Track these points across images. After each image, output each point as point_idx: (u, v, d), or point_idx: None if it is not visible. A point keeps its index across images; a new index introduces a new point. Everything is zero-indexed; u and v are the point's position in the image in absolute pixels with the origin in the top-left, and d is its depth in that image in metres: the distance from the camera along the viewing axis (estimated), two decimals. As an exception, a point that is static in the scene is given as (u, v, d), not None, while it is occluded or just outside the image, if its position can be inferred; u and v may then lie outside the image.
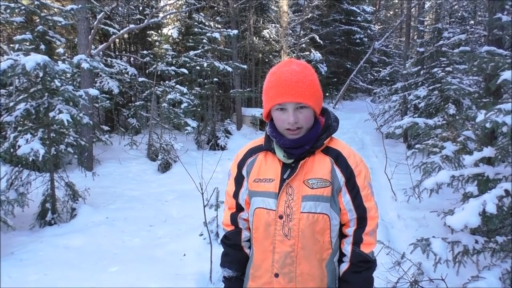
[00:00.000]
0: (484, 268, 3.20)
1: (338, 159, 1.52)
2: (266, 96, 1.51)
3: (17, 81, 5.19)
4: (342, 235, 1.58)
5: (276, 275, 1.53)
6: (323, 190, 1.48)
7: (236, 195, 1.70)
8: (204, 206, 4.08)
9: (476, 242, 3.24)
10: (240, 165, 1.68)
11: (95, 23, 8.07)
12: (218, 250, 4.18)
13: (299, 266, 1.50)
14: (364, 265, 1.52)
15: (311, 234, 1.48)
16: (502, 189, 2.86)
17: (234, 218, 1.71)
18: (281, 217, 1.50)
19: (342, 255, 1.57)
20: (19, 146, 4.82)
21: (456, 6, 10.34)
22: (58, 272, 3.74)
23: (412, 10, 12.89)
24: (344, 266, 1.55)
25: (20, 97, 5.10)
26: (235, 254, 1.71)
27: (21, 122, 5.27)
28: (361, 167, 1.53)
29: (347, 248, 1.55)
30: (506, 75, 2.96)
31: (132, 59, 14.08)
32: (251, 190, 1.61)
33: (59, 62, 5.33)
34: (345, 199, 1.52)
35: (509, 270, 3.04)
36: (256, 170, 1.61)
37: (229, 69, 11.06)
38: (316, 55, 16.53)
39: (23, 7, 5.95)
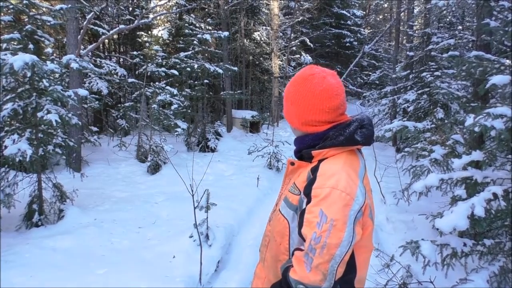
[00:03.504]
0: (472, 270, 3.24)
1: (313, 173, 1.43)
2: None
3: (4, 80, 5.12)
4: None
5: (259, 249, 1.75)
6: (291, 196, 1.51)
7: None
8: (195, 208, 4.06)
9: (465, 245, 3.28)
10: None
11: (85, 23, 8.01)
12: (208, 252, 4.17)
13: (267, 252, 1.65)
14: (285, 285, 1.41)
15: (275, 230, 1.58)
16: (490, 192, 2.89)
17: None
18: (276, 204, 1.66)
19: None
20: (5, 147, 4.74)
21: (444, 11, 10.45)
22: (44, 274, 3.68)
23: (401, 14, 13.01)
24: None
25: (7, 97, 5.03)
26: None
27: (8, 122, 5.19)
28: (324, 191, 1.34)
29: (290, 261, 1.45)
30: (494, 79, 2.99)
31: (121, 59, 14.00)
32: None
33: (48, 62, 5.27)
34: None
35: (497, 273, 3.08)
36: None
37: (220, 71, 11.05)
38: (307, 58, 16.59)
39: (11, 6, 5.88)
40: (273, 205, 1.74)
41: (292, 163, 1.61)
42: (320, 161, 1.47)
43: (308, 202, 1.38)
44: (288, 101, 1.57)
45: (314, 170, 1.44)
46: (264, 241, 1.70)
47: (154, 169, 8.61)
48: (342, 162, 1.43)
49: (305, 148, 1.54)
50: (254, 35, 15.96)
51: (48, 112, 4.99)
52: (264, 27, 16.14)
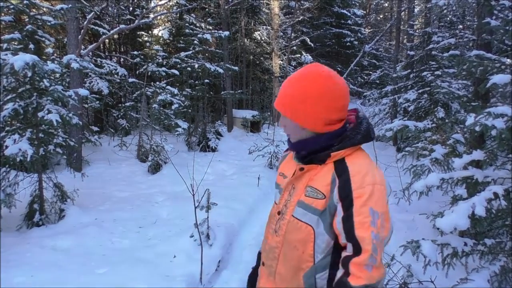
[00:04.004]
0: (473, 270, 3.23)
1: (342, 174, 1.39)
2: None
3: (5, 80, 5.12)
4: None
5: (263, 264, 1.64)
6: (313, 201, 1.43)
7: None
8: (195, 208, 4.06)
9: (465, 244, 3.27)
10: (280, 159, 1.80)
11: (85, 23, 8.01)
12: (209, 251, 4.17)
13: (279, 265, 1.54)
14: None
15: (292, 239, 1.49)
16: (491, 192, 2.89)
17: None
18: (279, 213, 1.57)
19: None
20: (6, 146, 4.75)
21: (445, 11, 10.44)
22: (45, 273, 3.69)
23: (402, 14, 13.00)
24: (337, 276, 1.43)
25: (8, 97, 5.03)
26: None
27: (8, 122, 5.20)
28: (367, 190, 1.35)
29: (338, 272, 1.40)
30: (495, 79, 2.99)
31: (122, 59, 13.99)
32: (276, 182, 1.72)
33: (48, 62, 5.27)
34: (338, 219, 1.39)
35: (498, 273, 3.07)
36: (283, 165, 1.70)
37: (220, 70, 11.04)
38: (307, 57, 16.57)
39: (12, 6, 5.88)
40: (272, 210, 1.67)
41: (301, 168, 1.51)
42: (337, 161, 1.44)
43: (347, 204, 1.35)
44: (302, 99, 1.42)
45: (341, 172, 1.40)
46: (272, 254, 1.56)
47: (155, 168, 8.61)
48: (366, 157, 1.47)
49: (319, 150, 1.46)
50: (254, 35, 15.96)
51: (49, 112, 5.00)
52: (264, 27, 16.14)
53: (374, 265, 1.33)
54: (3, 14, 6.50)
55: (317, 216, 1.42)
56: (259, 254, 1.80)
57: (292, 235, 1.48)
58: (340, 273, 1.39)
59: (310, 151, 1.48)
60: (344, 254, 1.40)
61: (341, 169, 1.41)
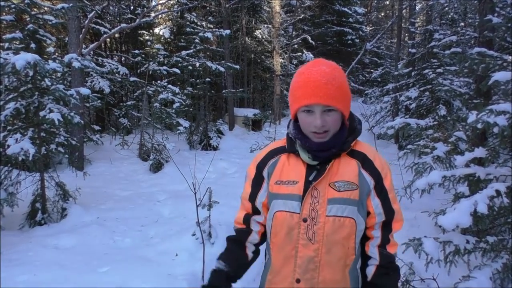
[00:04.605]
0: (475, 268, 3.22)
1: (365, 162, 1.47)
2: (293, 97, 1.45)
3: (6, 80, 5.13)
4: (364, 239, 1.52)
5: (298, 281, 1.46)
6: (350, 193, 1.42)
7: (253, 198, 1.61)
8: (197, 206, 4.06)
9: (467, 242, 3.27)
10: (261, 166, 1.59)
11: (86, 22, 8.02)
12: (211, 250, 4.17)
13: (322, 272, 1.44)
14: (392, 266, 1.50)
15: (336, 238, 1.42)
16: (493, 189, 2.88)
17: (247, 219, 1.65)
18: (305, 220, 1.44)
19: (367, 258, 1.51)
20: (8, 146, 4.76)
21: (446, 8, 10.42)
22: (47, 272, 3.70)
23: (403, 11, 12.97)
24: (372, 270, 1.49)
25: (10, 96, 5.04)
26: (235, 250, 1.68)
27: (10, 122, 5.21)
28: (387, 169, 1.50)
29: (374, 250, 1.50)
30: (497, 76, 2.98)
31: (123, 58, 14.00)
32: (272, 193, 1.53)
33: (50, 61, 5.28)
34: (375, 202, 1.47)
35: (500, 270, 3.07)
36: (279, 171, 1.53)
37: (222, 69, 11.04)
38: (308, 55, 16.55)
39: (13, 5, 5.89)
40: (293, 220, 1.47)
41: (325, 167, 1.45)
42: (349, 152, 1.49)
43: (380, 186, 1.48)
44: (346, 88, 1.43)
45: (362, 160, 1.48)
46: (311, 265, 1.44)
47: (156, 167, 8.63)
48: (366, 143, 1.58)
49: (340, 143, 1.46)
50: (255, 33, 15.95)
51: (51, 111, 5.00)
52: (265, 25, 16.13)
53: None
54: (4, 14, 6.50)
55: (356, 206, 1.43)
56: (215, 272, 1.66)
57: (336, 235, 1.42)
58: (375, 250, 1.50)
59: (334, 144, 1.44)
60: (376, 232, 1.51)
61: (360, 157, 1.49)
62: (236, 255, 1.67)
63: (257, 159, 1.62)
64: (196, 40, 11.15)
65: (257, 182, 1.60)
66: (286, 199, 1.48)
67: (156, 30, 13.84)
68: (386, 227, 1.51)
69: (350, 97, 1.46)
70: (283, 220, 1.47)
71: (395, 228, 1.52)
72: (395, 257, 1.52)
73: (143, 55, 12.01)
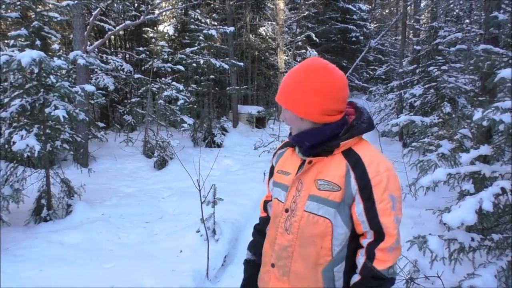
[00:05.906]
0: (479, 265, 3.22)
1: (356, 164, 1.42)
2: None
3: (12, 77, 5.15)
4: (359, 245, 1.50)
5: (273, 265, 1.58)
6: (329, 194, 1.42)
7: (268, 185, 1.78)
8: (202, 203, 4.07)
9: (472, 239, 3.26)
10: (274, 156, 1.77)
11: (91, 19, 8.03)
12: (215, 246, 4.18)
13: (294, 263, 1.50)
14: (374, 281, 1.42)
15: (309, 234, 1.46)
16: (498, 187, 2.87)
17: (265, 205, 1.83)
18: (287, 210, 1.53)
19: (355, 266, 1.49)
20: (14, 142, 4.78)
21: (452, 5, 10.35)
22: (53, 268, 3.72)
23: (408, 8, 12.92)
24: (355, 278, 1.47)
25: (15, 93, 5.06)
26: (257, 238, 1.82)
27: (16, 118, 5.23)
28: (383, 177, 1.40)
29: (360, 260, 1.45)
30: (503, 73, 2.97)
31: (127, 55, 14.02)
32: (274, 181, 1.67)
33: (55, 58, 5.30)
34: (358, 209, 1.42)
35: (505, 268, 3.06)
36: (282, 162, 1.67)
37: (226, 66, 11.04)
38: (312, 53, 16.47)
39: (18, 3, 5.91)
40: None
41: (310, 161, 1.48)
42: (345, 152, 1.45)
43: (367, 193, 1.40)
44: (302, 90, 1.43)
45: (354, 162, 1.42)
46: (284, 253, 1.52)
47: (161, 164, 8.65)
48: (372, 146, 1.51)
49: (326, 140, 1.46)
50: (259, 30, 15.91)
51: (56, 108, 5.02)
52: (269, 22, 16.08)
53: (396, 246, 1.43)
54: (9, 11, 6.53)
55: (334, 208, 1.42)
56: (248, 262, 1.81)
57: (308, 231, 1.46)
58: (362, 259, 1.44)
59: (316, 142, 1.48)
60: (365, 241, 1.45)
61: (353, 159, 1.43)
62: (258, 243, 1.78)
63: (276, 148, 1.81)
64: (200, 37, 11.15)
65: (271, 170, 1.76)
66: (280, 188, 1.60)
67: (161, 27, 13.84)
68: (376, 239, 1.42)
69: (307, 100, 1.43)
70: (275, 207, 1.62)
71: (386, 243, 1.41)
72: (381, 272, 1.41)
73: (148, 52, 12.02)
